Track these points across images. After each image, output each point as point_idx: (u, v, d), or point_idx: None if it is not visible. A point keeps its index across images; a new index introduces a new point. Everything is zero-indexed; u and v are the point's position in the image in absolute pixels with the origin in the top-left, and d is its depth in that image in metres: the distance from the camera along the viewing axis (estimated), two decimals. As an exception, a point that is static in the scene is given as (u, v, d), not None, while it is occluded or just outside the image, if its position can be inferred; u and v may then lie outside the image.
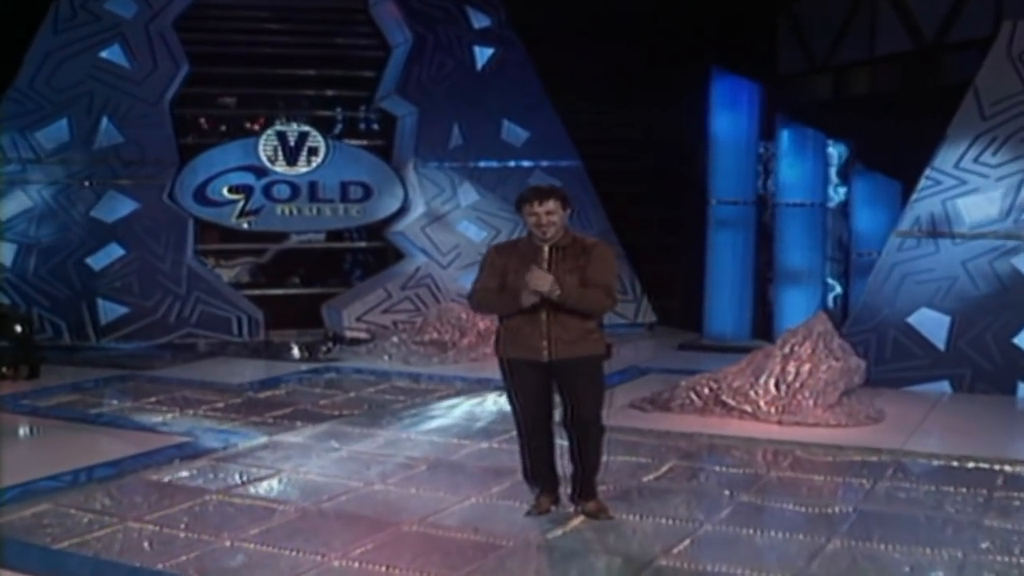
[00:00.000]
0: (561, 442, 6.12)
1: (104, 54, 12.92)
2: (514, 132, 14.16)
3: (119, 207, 12.89)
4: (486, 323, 11.85)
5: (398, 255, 14.19)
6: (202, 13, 13.71)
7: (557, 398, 6.04)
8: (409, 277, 13.59)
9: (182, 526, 5.99)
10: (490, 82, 14.15)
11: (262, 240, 14.33)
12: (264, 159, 13.55)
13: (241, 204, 13.47)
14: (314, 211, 13.81)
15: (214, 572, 5.32)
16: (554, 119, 14.25)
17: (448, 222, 13.84)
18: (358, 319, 13.23)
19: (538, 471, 6.12)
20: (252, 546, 5.68)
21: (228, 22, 14.04)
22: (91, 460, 7.36)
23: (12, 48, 12.80)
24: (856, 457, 7.60)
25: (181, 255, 12.96)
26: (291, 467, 7.28)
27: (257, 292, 13.92)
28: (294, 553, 5.50)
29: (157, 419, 8.95)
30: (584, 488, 6.09)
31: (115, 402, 9.96)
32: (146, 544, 5.72)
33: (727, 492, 6.68)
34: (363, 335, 12.77)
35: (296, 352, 12.51)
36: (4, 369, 10.66)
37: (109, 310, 12.72)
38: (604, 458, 6.17)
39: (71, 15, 12.95)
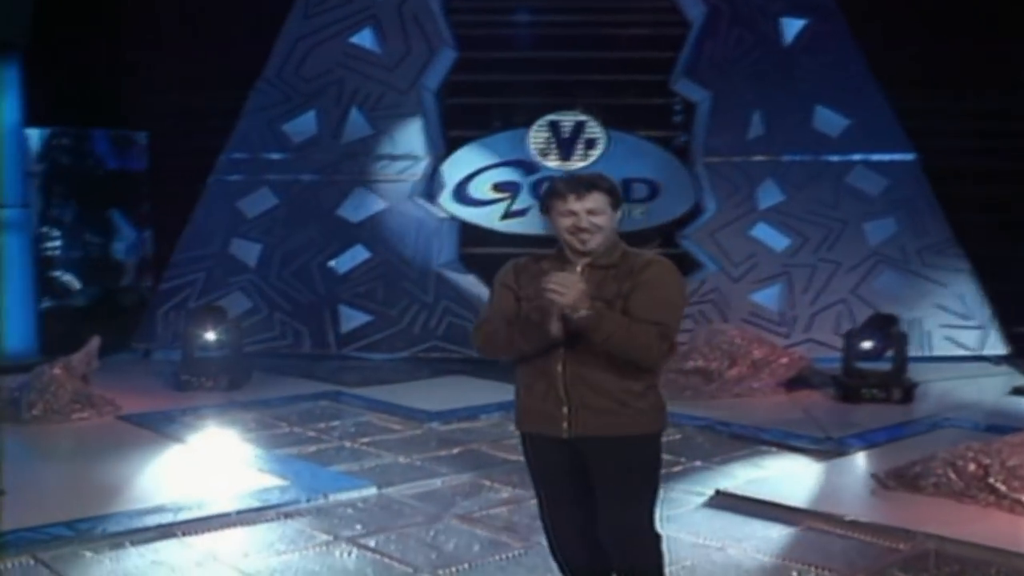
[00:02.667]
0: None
1: (354, 39, 12.32)
2: (829, 119, 12.23)
3: (366, 206, 12.26)
4: (763, 350, 10.18)
5: (690, 264, 12.47)
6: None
7: None
8: (692, 291, 11.91)
9: None
10: (800, 60, 12.32)
11: (525, 244, 13.16)
12: (534, 153, 12.41)
13: (507, 204, 12.46)
14: (590, 212, 12.57)
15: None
16: (881, 104, 12.17)
17: (743, 226, 12.11)
18: (627, 338, 11.85)
19: None
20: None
21: (501, 1, 13.08)
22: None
23: (264, 35, 12.53)
24: None
25: (430, 260, 12.12)
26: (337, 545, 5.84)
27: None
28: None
29: (284, 451, 7.92)
30: None
31: (271, 424, 8.94)
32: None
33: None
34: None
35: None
36: (203, 379, 10.18)
37: (351, 317, 12.10)
38: None
39: (323, -2, 12.67)
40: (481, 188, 12.44)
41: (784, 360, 10.26)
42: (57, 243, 15.93)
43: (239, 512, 6.30)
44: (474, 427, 8.87)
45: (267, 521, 6.23)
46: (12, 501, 6.33)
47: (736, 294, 11.89)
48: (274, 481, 6.95)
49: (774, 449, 7.98)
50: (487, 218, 12.45)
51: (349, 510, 6.46)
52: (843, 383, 9.87)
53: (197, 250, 12.46)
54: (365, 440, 8.35)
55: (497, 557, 5.55)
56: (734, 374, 10.03)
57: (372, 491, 6.78)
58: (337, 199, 12.26)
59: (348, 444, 8.26)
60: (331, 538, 5.90)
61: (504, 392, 9.56)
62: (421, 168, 12.26)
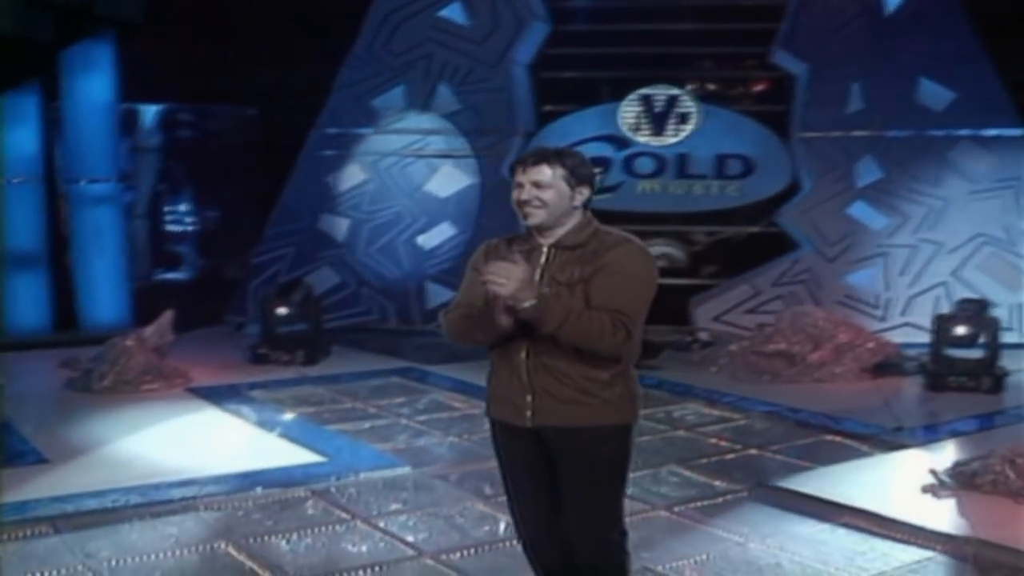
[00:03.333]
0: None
1: (443, 13, 12.26)
2: (935, 93, 11.67)
3: (453, 181, 12.25)
4: (849, 334, 9.83)
5: (785, 243, 12.09)
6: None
7: None
8: (784, 271, 11.59)
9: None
10: (904, 28, 11.76)
11: (615, 221, 12.88)
12: (625, 128, 12.21)
13: (597, 180, 12.33)
14: (682, 189, 12.26)
15: None
16: (990, 76, 11.53)
17: (839, 204, 11.66)
18: (715, 319, 11.56)
19: None
20: None
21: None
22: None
23: (355, 10, 12.62)
24: None
25: (515, 236, 12.03)
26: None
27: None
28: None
29: (337, 427, 7.99)
30: None
31: (335, 399, 9.01)
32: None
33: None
34: (704, 337, 11.13)
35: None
36: (280, 353, 10.30)
37: (436, 293, 12.07)
38: None
39: (413, -29, 12.60)
40: (571, 164, 12.27)
41: (870, 345, 9.89)
42: (169, 216, 16.45)
43: (264, 487, 6.33)
44: None
45: (291, 498, 6.24)
46: (44, 468, 6.76)
47: (830, 275, 11.49)
48: (312, 457, 7.03)
49: (838, 439, 7.68)
50: (577, 192, 12.27)
51: (378, 489, 6.43)
52: (930, 371, 9.42)
53: (288, 224, 12.63)
54: (422, 419, 8.36)
55: (508, 544, 5.37)
56: (816, 358, 9.69)
57: (406, 470, 6.78)
58: (425, 174, 12.29)
59: (404, 422, 8.28)
60: (348, 517, 5.90)
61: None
62: (509, 143, 12.11)
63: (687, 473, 6.82)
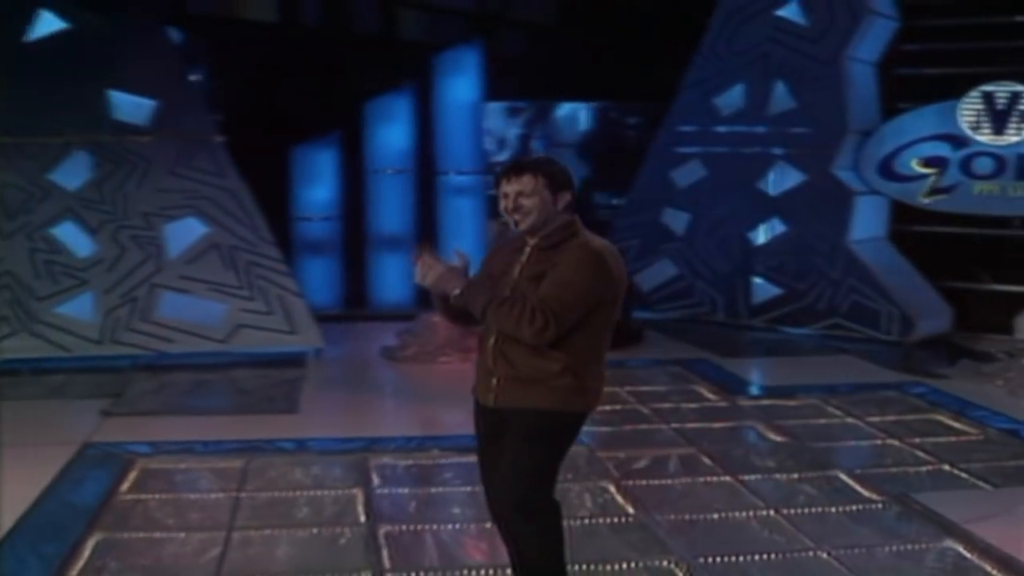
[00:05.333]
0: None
1: (781, 12, 12.49)
2: None
3: (785, 179, 12.50)
4: None
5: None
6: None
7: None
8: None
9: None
10: None
11: (950, 223, 12.33)
12: (964, 127, 11.87)
13: (932, 179, 12.08)
14: (1022, 191, 11.84)
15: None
16: None
17: None
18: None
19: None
20: None
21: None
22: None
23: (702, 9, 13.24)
24: None
25: (841, 235, 12.08)
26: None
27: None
28: None
29: None
30: None
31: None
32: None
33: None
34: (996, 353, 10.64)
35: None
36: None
37: (762, 289, 12.53)
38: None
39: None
40: (907, 163, 12.13)
41: None
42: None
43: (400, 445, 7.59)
44: (777, 404, 9.04)
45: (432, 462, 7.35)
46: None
47: None
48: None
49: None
50: (909, 194, 12.14)
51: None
52: None
53: (635, 216, 13.54)
54: (655, 405, 8.95)
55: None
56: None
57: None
58: (759, 172, 12.62)
59: (634, 407, 8.89)
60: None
61: (870, 374, 10.10)
62: (844, 141, 12.17)
63: (835, 476, 7.03)
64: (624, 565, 5.52)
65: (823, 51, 12.33)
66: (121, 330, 10.38)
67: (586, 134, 17.24)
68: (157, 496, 6.63)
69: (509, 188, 4.39)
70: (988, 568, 5.50)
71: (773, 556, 5.63)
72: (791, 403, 9.11)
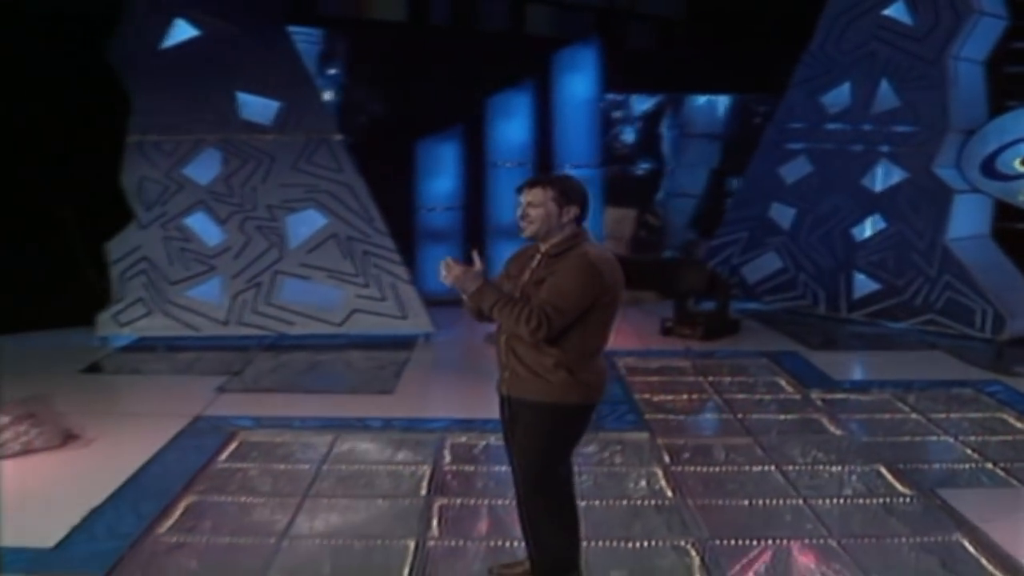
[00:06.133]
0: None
1: (887, 12, 12.68)
2: None
3: (888, 176, 12.72)
4: None
5: None
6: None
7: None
8: None
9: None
10: None
11: None
12: (1069, 126, 12.01)
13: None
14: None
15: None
16: None
17: None
18: None
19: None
20: None
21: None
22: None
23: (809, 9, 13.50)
24: None
25: (939, 233, 12.24)
26: None
27: None
28: None
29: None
30: None
31: (677, 371, 10.42)
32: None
33: None
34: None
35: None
36: (682, 327, 11.83)
37: (863, 284, 12.83)
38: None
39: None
40: (1009, 162, 12.23)
41: None
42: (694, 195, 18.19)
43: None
44: (848, 399, 9.47)
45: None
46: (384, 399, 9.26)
47: None
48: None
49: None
50: (1011, 193, 12.27)
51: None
52: None
53: (744, 210, 13.99)
54: (729, 395, 9.49)
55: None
56: None
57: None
58: (863, 168, 12.89)
59: (709, 397, 9.49)
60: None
61: (953, 371, 10.42)
62: (945, 140, 12.32)
63: (876, 470, 7.40)
64: (647, 544, 6.08)
65: (927, 50, 12.50)
66: (246, 312, 11.45)
67: (717, 124, 17.65)
68: (249, 465, 7.48)
69: (522, 198, 5.06)
70: (984, 563, 5.83)
71: (783, 542, 6.09)
72: (863, 398, 9.50)
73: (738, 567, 5.84)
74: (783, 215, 13.58)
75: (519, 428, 5.10)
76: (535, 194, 5.02)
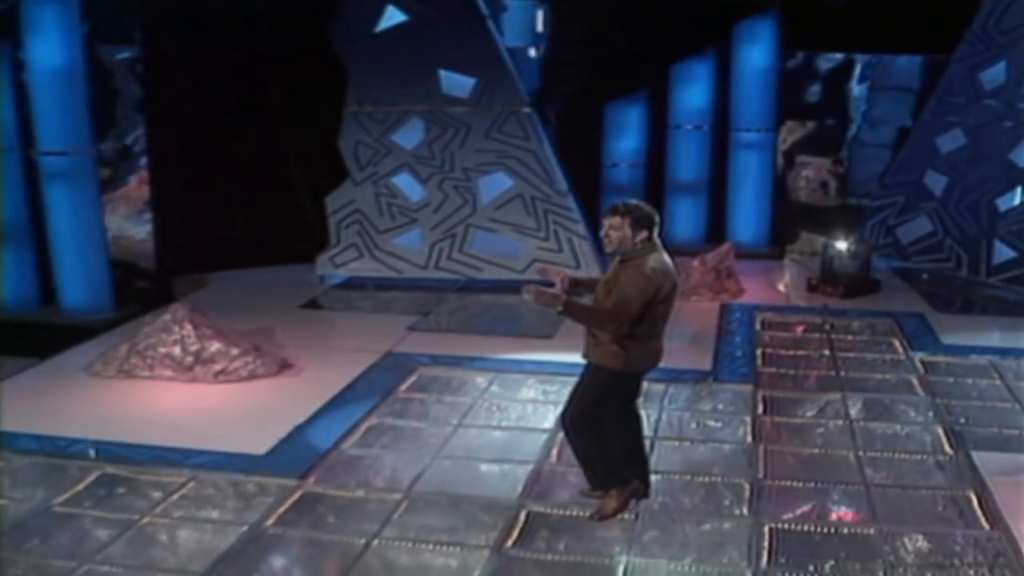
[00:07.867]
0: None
1: None
2: None
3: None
4: None
5: None
6: None
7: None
8: None
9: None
10: None
11: None
12: None
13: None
14: None
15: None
16: None
17: None
18: None
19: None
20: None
21: None
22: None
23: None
24: None
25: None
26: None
27: None
28: None
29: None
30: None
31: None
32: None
33: None
34: None
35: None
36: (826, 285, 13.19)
37: (1002, 252, 13.89)
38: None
39: None
40: None
41: None
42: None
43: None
44: (947, 362, 10.62)
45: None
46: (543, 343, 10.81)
47: None
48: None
49: None
50: None
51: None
52: None
53: (902, 175, 15.15)
54: (841, 353, 10.85)
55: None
56: None
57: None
58: (1010, 142, 13.86)
59: (820, 353, 10.88)
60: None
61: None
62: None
63: (934, 429, 8.61)
64: (705, 479, 7.72)
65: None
66: (442, 259, 13.62)
67: (909, 82, 18.60)
68: (422, 396, 9.51)
69: (605, 222, 6.66)
70: (979, 515, 7.13)
71: (817, 484, 7.59)
72: (961, 362, 10.62)
73: (779, 504, 7.34)
74: (936, 182, 14.71)
75: (584, 381, 6.90)
76: (615, 221, 6.61)
